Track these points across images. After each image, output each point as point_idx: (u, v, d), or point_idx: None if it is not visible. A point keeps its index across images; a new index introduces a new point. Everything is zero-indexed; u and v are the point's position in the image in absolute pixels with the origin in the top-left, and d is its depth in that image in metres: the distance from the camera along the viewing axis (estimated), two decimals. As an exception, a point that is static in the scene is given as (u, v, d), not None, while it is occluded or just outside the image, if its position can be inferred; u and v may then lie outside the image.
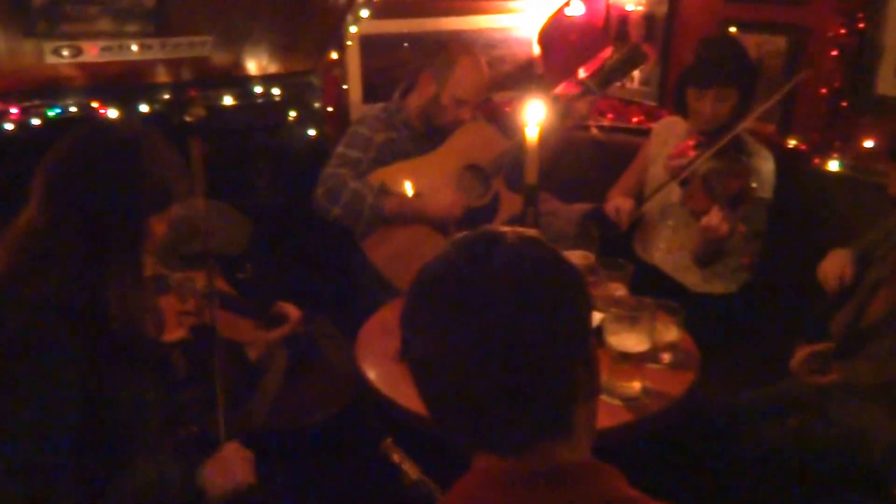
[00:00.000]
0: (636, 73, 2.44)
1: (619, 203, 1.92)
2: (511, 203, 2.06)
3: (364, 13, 2.38)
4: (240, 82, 2.31)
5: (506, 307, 0.60)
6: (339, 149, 2.03)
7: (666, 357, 1.43)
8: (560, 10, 2.57)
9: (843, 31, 1.87)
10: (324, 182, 1.97)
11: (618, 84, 2.18)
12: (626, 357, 1.29)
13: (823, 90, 1.92)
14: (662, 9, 2.43)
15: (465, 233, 0.67)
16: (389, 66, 2.50)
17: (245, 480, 1.15)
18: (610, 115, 2.58)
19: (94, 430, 1.03)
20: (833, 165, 1.94)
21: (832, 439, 1.39)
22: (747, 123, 1.82)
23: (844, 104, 1.90)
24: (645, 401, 1.32)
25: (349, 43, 2.42)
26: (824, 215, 1.91)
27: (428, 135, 2.08)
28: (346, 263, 2.11)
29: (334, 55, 2.42)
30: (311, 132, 2.41)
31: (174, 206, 1.13)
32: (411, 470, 0.85)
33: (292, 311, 1.55)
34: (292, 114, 2.39)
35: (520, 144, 1.51)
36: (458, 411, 0.63)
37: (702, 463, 1.51)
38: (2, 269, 1.04)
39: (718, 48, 1.87)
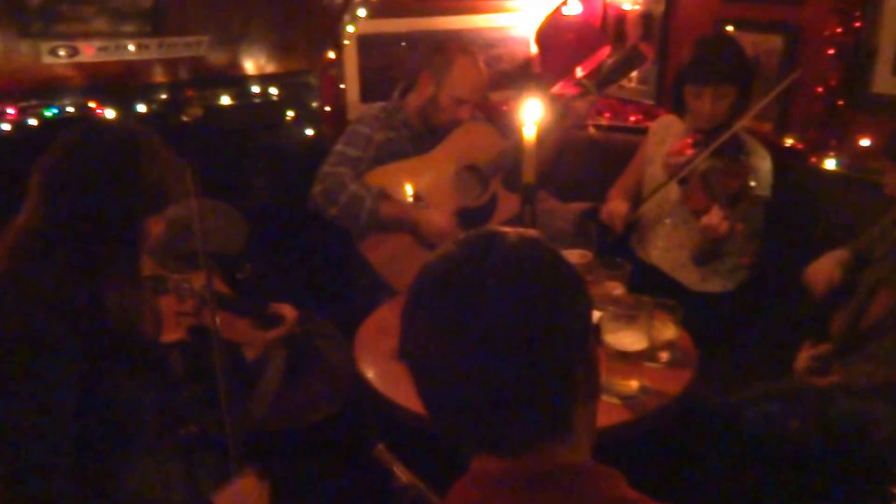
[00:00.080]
0: (634, 73, 2.44)
1: (612, 207, 1.93)
2: (509, 203, 2.06)
3: (361, 12, 2.38)
4: (237, 82, 2.31)
5: (505, 307, 0.60)
6: (338, 147, 2.02)
7: (664, 356, 1.44)
8: (557, 10, 2.57)
9: (839, 29, 1.87)
10: (321, 180, 1.96)
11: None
12: (623, 356, 1.30)
13: (820, 89, 1.93)
14: (659, 8, 2.44)
15: (466, 232, 0.67)
16: (387, 65, 2.50)
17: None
18: (607, 115, 2.58)
19: (92, 430, 1.03)
20: (830, 164, 1.94)
21: (832, 438, 1.39)
22: (745, 122, 1.82)
23: (841, 103, 1.91)
24: (643, 399, 1.32)
25: (346, 42, 2.42)
26: (821, 214, 1.91)
27: (427, 135, 2.08)
28: (344, 263, 2.11)
29: (331, 55, 2.42)
30: (309, 132, 2.41)
31: (171, 207, 1.13)
32: (403, 474, 0.86)
33: (288, 311, 1.55)
34: (290, 113, 2.38)
35: (518, 145, 1.51)
36: (456, 411, 0.63)
37: (700, 461, 1.51)
38: (0, 270, 1.04)
39: (715, 46, 1.87)
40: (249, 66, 2.34)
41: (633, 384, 1.32)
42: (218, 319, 1.21)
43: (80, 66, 2.09)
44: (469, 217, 1.98)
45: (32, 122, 2.03)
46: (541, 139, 1.41)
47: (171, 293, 1.39)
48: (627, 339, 1.30)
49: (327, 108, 2.46)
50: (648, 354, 1.36)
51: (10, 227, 1.08)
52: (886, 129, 1.64)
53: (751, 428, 1.50)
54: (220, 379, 1.21)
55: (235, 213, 2.04)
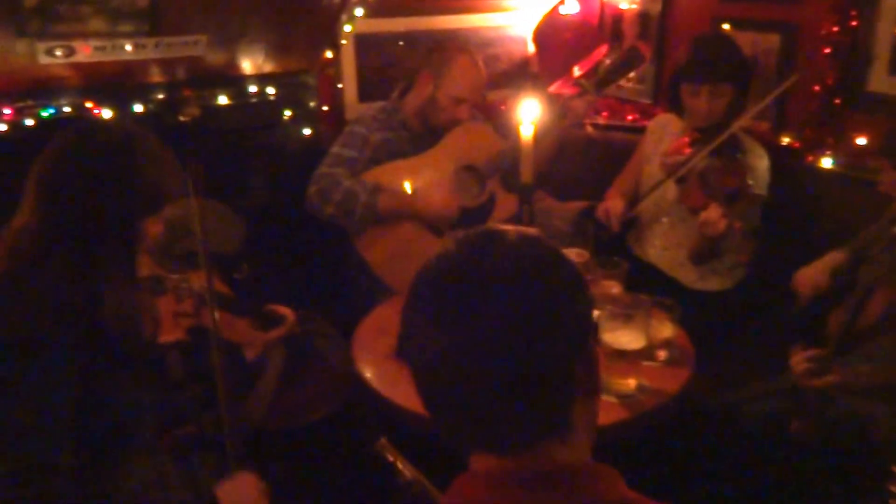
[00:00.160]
0: (632, 73, 2.45)
1: (609, 206, 1.93)
2: (507, 203, 2.06)
3: (359, 12, 2.38)
4: (234, 82, 2.31)
5: (505, 305, 0.60)
6: (335, 148, 2.02)
7: (661, 354, 1.44)
8: (554, 9, 2.57)
9: (835, 28, 1.88)
10: (316, 181, 1.96)
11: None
12: (621, 354, 1.30)
13: (816, 88, 1.93)
14: (656, 7, 2.44)
15: (465, 231, 0.67)
16: (384, 64, 2.50)
17: (261, 499, 1.14)
18: (605, 114, 2.58)
19: (91, 431, 1.03)
20: (826, 163, 1.95)
21: (830, 437, 1.40)
22: (742, 122, 1.83)
23: (837, 102, 1.91)
24: (640, 398, 1.32)
25: (344, 42, 2.42)
26: (818, 212, 1.92)
27: (426, 135, 2.07)
28: (342, 262, 2.11)
29: (329, 54, 2.42)
30: (307, 131, 2.40)
31: (169, 207, 1.12)
32: (406, 469, 0.85)
33: (286, 312, 1.55)
34: (287, 113, 2.38)
35: (516, 145, 1.52)
36: (455, 410, 0.63)
37: (697, 459, 1.51)
38: (-2, 270, 1.04)
39: (712, 45, 1.88)
40: (247, 65, 2.34)
41: (631, 383, 1.33)
42: (217, 319, 1.21)
43: (77, 66, 2.09)
44: (467, 217, 1.98)
45: (29, 122, 2.03)
46: (539, 139, 1.42)
47: (169, 293, 1.39)
48: (625, 338, 1.30)
49: (325, 108, 2.46)
50: (646, 353, 1.36)
51: (8, 227, 1.08)
52: (883, 128, 1.65)
53: (749, 428, 1.50)
54: (218, 379, 1.21)
55: (233, 213, 2.04)
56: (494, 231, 0.65)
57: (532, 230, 0.67)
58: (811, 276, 1.56)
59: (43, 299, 1.00)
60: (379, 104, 2.13)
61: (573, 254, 1.63)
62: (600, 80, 1.98)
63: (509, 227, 0.66)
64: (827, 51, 1.90)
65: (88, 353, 1.02)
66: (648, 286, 1.60)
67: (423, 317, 0.63)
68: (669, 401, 1.34)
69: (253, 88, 2.33)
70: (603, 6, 2.63)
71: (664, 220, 1.99)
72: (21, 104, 2.02)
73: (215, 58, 2.27)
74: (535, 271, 0.62)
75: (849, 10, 1.85)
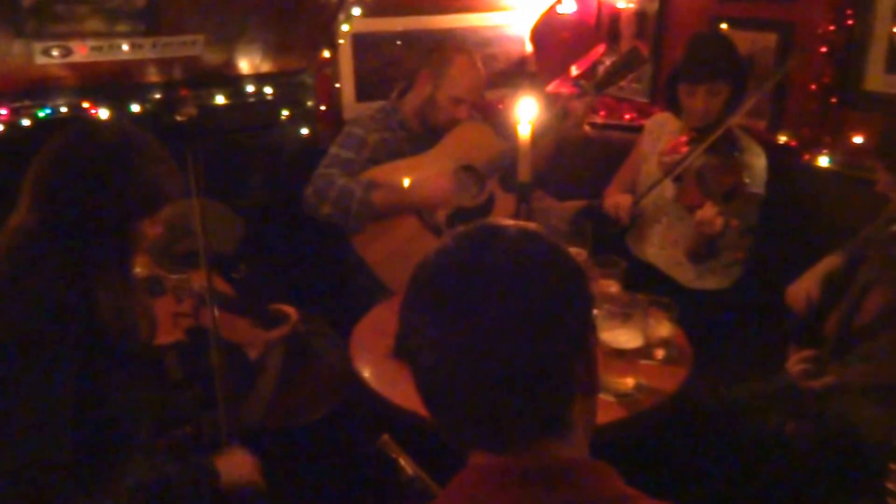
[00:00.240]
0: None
1: (618, 199, 1.94)
2: (505, 204, 2.06)
3: (356, 11, 2.38)
4: (232, 81, 2.30)
5: (504, 302, 0.59)
6: (333, 149, 2.02)
7: (659, 353, 1.44)
8: (552, 8, 2.57)
9: (832, 27, 1.88)
10: (313, 182, 1.96)
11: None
12: (619, 353, 1.30)
13: (813, 86, 1.94)
14: (654, 6, 2.44)
15: (464, 226, 0.66)
16: (382, 64, 2.50)
17: (255, 480, 1.18)
18: (602, 113, 2.58)
19: (88, 430, 1.03)
20: (823, 161, 1.95)
21: (826, 437, 1.40)
22: (739, 116, 1.83)
23: (834, 100, 1.92)
24: (638, 397, 1.32)
25: (341, 41, 2.42)
26: (815, 211, 1.92)
27: (425, 135, 2.08)
28: (339, 262, 2.11)
29: (326, 54, 2.42)
30: (304, 131, 2.40)
31: (167, 208, 1.12)
32: (408, 466, 0.85)
33: (290, 311, 1.55)
34: (285, 113, 2.38)
35: (515, 145, 1.52)
36: (454, 407, 0.63)
37: (694, 458, 1.52)
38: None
39: (708, 44, 1.88)
40: (244, 65, 2.34)
41: (629, 382, 1.33)
42: (217, 319, 1.21)
43: (74, 66, 2.08)
44: (465, 217, 1.98)
45: (26, 122, 2.02)
46: (537, 139, 1.42)
47: (168, 293, 1.39)
48: (623, 337, 1.30)
49: (323, 108, 2.46)
50: (644, 352, 1.37)
51: (5, 227, 1.08)
52: (879, 127, 1.65)
53: (746, 429, 1.50)
54: (217, 379, 1.21)
55: (231, 212, 2.04)
56: (494, 226, 0.65)
57: (532, 225, 0.66)
58: (802, 289, 1.53)
59: (38, 299, 1.00)
60: (378, 104, 2.13)
61: (572, 253, 1.63)
62: (600, 81, 1.98)
63: (509, 222, 0.65)
64: (823, 49, 1.91)
65: (85, 353, 1.02)
66: (646, 285, 1.60)
67: (421, 313, 0.63)
68: (667, 400, 1.35)
69: (250, 88, 2.33)
70: (600, 5, 2.63)
71: (662, 219, 1.99)
72: (18, 104, 2.02)
73: (213, 57, 2.26)
74: (535, 267, 0.62)
75: (845, 9, 1.86)
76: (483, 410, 0.61)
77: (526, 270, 0.61)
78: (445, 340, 0.61)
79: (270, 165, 2.35)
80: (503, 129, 2.13)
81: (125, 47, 2.10)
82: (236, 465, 1.19)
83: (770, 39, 2.08)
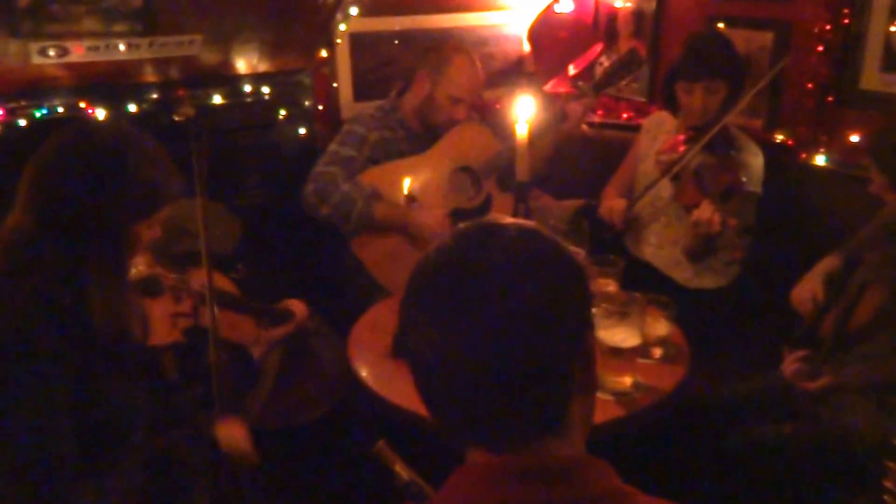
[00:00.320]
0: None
1: (612, 204, 1.94)
2: (503, 204, 2.06)
3: (353, 11, 2.38)
4: (229, 81, 2.30)
5: (503, 300, 0.59)
6: (332, 146, 2.02)
7: (657, 352, 1.45)
8: (549, 7, 2.58)
9: (828, 26, 1.89)
10: (314, 179, 1.96)
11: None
12: (617, 352, 1.30)
13: (809, 85, 1.94)
14: (651, 5, 2.44)
15: (465, 223, 0.66)
16: (380, 63, 2.50)
17: (249, 451, 1.21)
18: (600, 112, 2.58)
19: (84, 431, 1.03)
20: (820, 160, 1.95)
21: (822, 436, 1.40)
22: (734, 115, 1.83)
23: (830, 99, 1.92)
24: (636, 395, 1.33)
25: (339, 41, 2.41)
26: (812, 209, 1.92)
27: (423, 134, 2.08)
28: (337, 262, 2.10)
29: (324, 53, 2.42)
30: (302, 131, 2.40)
31: (165, 210, 1.12)
32: (403, 471, 0.86)
33: (299, 306, 1.55)
34: (282, 113, 2.38)
35: (512, 146, 1.52)
36: (452, 405, 0.63)
37: (692, 457, 1.52)
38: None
39: (706, 43, 1.88)
40: (241, 65, 2.33)
41: (627, 380, 1.33)
42: (217, 319, 1.21)
43: (71, 66, 2.08)
44: (463, 218, 1.98)
45: (22, 122, 2.02)
46: (536, 139, 1.42)
47: (167, 293, 1.39)
48: (620, 336, 1.31)
49: (320, 107, 2.46)
50: (641, 351, 1.37)
51: (1, 227, 1.08)
52: (875, 126, 1.65)
53: (743, 428, 1.50)
54: (214, 380, 1.21)
55: (228, 212, 2.04)
56: (493, 224, 0.65)
57: (531, 223, 0.66)
58: (807, 290, 1.52)
59: (31, 298, 1.00)
60: (376, 103, 2.13)
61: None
62: (598, 82, 1.99)
63: (509, 221, 0.65)
64: (819, 48, 1.91)
65: (79, 353, 1.02)
66: (644, 284, 1.60)
67: (420, 311, 0.63)
68: (665, 398, 1.35)
69: (248, 88, 2.33)
70: (597, 5, 2.63)
71: (660, 218, 1.99)
72: (14, 105, 2.01)
73: (210, 57, 2.26)
74: (534, 265, 0.62)
75: (842, 8, 1.86)
76: (481, 409, 0.61)
77: (525, 269, 0.61)
78: (444, 339, 0.61)
79: (268, 165, 2.35)
80: (501, 129, 2.13)
81: (122, 47, 2.10)
82: (232, 435, 1.22)
83: (766, 38, 2.08)
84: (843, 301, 1.41)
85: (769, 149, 1.96)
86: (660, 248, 2.00)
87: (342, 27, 2.40)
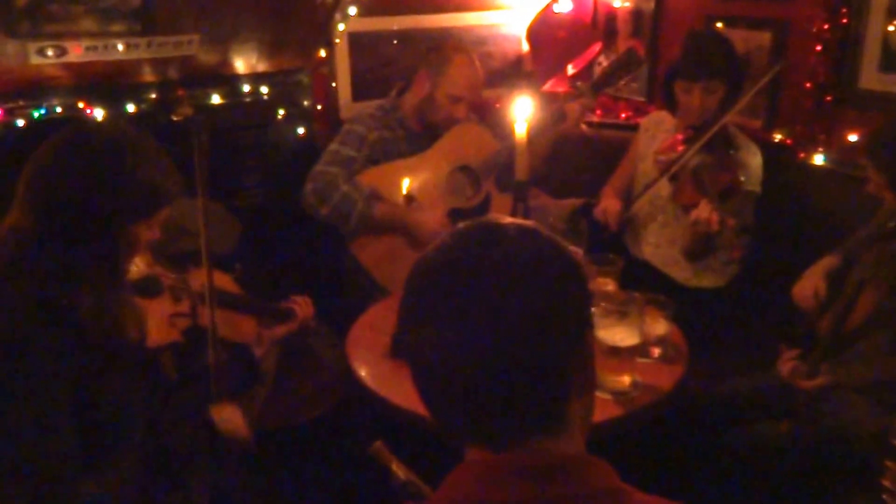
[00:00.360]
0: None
1: (606, 206, 1.94)
2: (502, 204, 2.06)
3: (352, 10, 2.38)
4: (228, 81, 2.30)
5: (502, 298, 0.60)
6: (333, 146, 2.02)
7: (656, 351, 1.45)
8: (548, 7, 2.58)
9: (826, 25, 1.89)
10: (313, 179, 1.96)
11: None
12: (615, 351, 1.30)
13: (808, 84, 1.94)
14: (650, 5, 2.44)
15: (464, 223, 0.66)
16: (378, 63, 2.50)
17: (244, 433, 1.22)
18: (599, 111, 2.59)
19: (82, 430, 1.03)
20: (818, 159, 1.96)
21: (820, 434, 1.40)
22: (731, 116, 1.84)
23: (829, 98, 1.92)
24: (634, 394, 1.33)
25: (337, 41, 2.41)
26: (810, 208, 1.93)
27: (423, 134, 2.08)
28: (336, 261, 2.10)
29: (322, 53, 2.42)
30: (300, 130, 2.40)
31: (165, 211, 1.12)
32: (400, 471, 0.86)
33: (303, 304, 1.55)
34: (281, 112, 2.38)
35: (511, 145, 1.52)
36: (451, 403, 0.63)
37: (691, 456, 1.52)
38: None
39: (705, 42, 1.88)
40: (240, 64, 2.33)
41: (625, 380, 1.33)
42: (216, 319, 1.21)
43: (69, 66, 2.08)
44: (462, 218, 1.97)
45: (20, 122, 2.02)
46: (534, 138, 1.42)
47: (166, 293, 1.38)
48: (619, 335, 1.31)
49: (319, 107, 2.46)
50: (640, 350, 1.37)
51: (0, 227, 1.08)
52: (873, 125, 1.65)
53: (741, 423, 1.51)
54: (212, 379, 1.21)
55: (227, 212, 2.04)
56: (493, 224, 0.65)
57: (530, 223, 0.66)
58: (809, 286, 1.53)
59: (30, 299, 1.00)
60: (376, 102, 2.13)
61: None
62: (597, 82, 1.99)
63: (507, 220, 0.66)
64: (818, 48, 1.91)
65: (77, 354, 1.02)
66: (643, 283, 1.60)
67: (419, 310, 0.63)
68: (663, 397, 1.35)
69: (246, 87, 2.33)
70: (596, 4, 2.63)
71: (659, 217, 2.00)
72: (12, 105, 2.01)
73: (208, 57, 2.26)
74: (533, 265, 0.62)
75: (840, 7, 1.86)
76: (480, 407, 0.62)
77: (524, 268, 0.61)
78: (443, 337, 0.61)
79: (267, 165, 2.35)
80: (500, 129, 2.13)
81: (120, 47, 2.10)
82: (227, 417, 1.23)
83: (765, 38, 2.08)
84: (841, 300, 1.42)
85: (768, 148, 1.96)
86: (658, 247, 2.00)
87: (341, 27, 2.40)
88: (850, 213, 1.71)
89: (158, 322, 1.33)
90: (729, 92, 1.84)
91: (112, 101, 2.12)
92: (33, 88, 2.05)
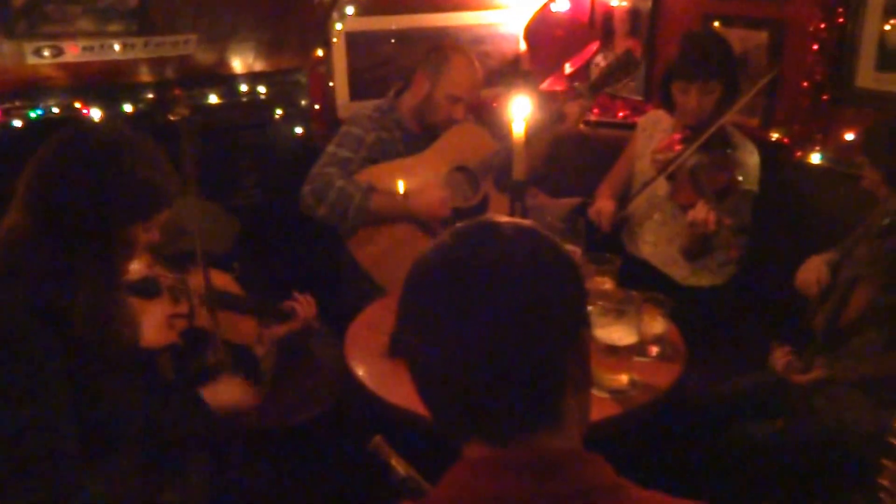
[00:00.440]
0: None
1: (600, 206, 1.95)
2: (500, 204, 2.06)
3: (349, 10, 2.38)
4: (225, 80, 2.30)
5: (499, 297, 0.60)
6: (330, 148, 2.02)
7: (653, 350, 1.45)
8: (545, 6, 2.58)
9: (823, 25, 1.89)
10: (311, 181, 1.96)
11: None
12: (613, 350, 1.31)
13: (805, 83, 1.95)
14: (647, 4, 2.45)
15: (462, 222, 0.67)
16: (376, 63, 2.50)
17: (241, 400, 1.21)
18: (596, 111, 2.59)
19: (81, 430, 1.03)
20: (815, 158, 1.96)
21: (816, 432, 1.41)
22: (729, 117, 1.84)
23: (825, 97, 1.93)
24: (632, 393, 1.33)
25: (335, 40, 2.41)
26: (808, 207, 1.93)
27: (421, 135, 2.08)
28: (334, 261, 2.10)
29: (320, 52, 2.41)
30: (298, 130, 2.40)
31: (164, 213, 1.12)
32: (400, 466, 0.86)
33: (305, 303, 1.55)
34: (278, 112, 2.38)
35: (509, 145, 1.52)
36: (449, 400, 0.64)
37: (688, 454, 1.52)
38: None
39: (702, 42, 1.89)
40: (237, 64, 2.33)
41: (623, 378, 1.33)
42: (216, 319, 1.21)
43: (66, 67, 2.07)
44: (461, 218, 1.98)
45: (17, 123, 2.01)
46: (532, 139, 1.42)
47: (164, 294, 1.38)
48: (617, 334, 1.31)
49: (316, 107, 2.46)
50: (638, 349, 1.37)
51: (-1, 227, 1.08)
52: (863, 127, 1.66)
53: (738, 422, 1.51)
54: (211, 379, 1.21)
55: (224, 212, 2.04)
56: (490, 223, 0.66)
57: (528, 222, 0.67)
58: (812, 272, 1.53)
59: (28, 299, 1.00)
60: (374, 103, 2.13)
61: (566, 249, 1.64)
62: (594, 83, 1.99)
63: (505, 219, 0.66)
64: (815, 47, 1.92)
65: (74, 354, 1.02)
66: (641, 282, 1.60)
67: (418, 308, 0.64)
68: (661, 396, 1.35)
69: (244, 87, 2.33)
70: (593, 3, 2.63)
71: (656, 216, 2.00)
72: (9, 105, 2.01)
73: (205, 57, 2.26)
74: (530, 263, 0.63)
75: (836, 7, 1.87)
76: (478, 404, 0.62)
77: (521, 267, 0.62)
78: (441, 336, 0.62)
79: (264, 165, 2.35)
80: (497, 128, 2.13)
81: (117, 47, 2.09)
82: (220, 391, 1.23)
83: (762, 37, 2.08)
84: (835, 296, 1.42)
85: (765, 147, 1.97)
86: (656, 246, 2.01)
87: (338, 26, 2.39)
88: (847, 211, 1.71)
89: (157, 323, 1.33)
90: (726, 92, 1.84)
91: (109, 102, 2.12)
92: (30, 89, 2.04)
